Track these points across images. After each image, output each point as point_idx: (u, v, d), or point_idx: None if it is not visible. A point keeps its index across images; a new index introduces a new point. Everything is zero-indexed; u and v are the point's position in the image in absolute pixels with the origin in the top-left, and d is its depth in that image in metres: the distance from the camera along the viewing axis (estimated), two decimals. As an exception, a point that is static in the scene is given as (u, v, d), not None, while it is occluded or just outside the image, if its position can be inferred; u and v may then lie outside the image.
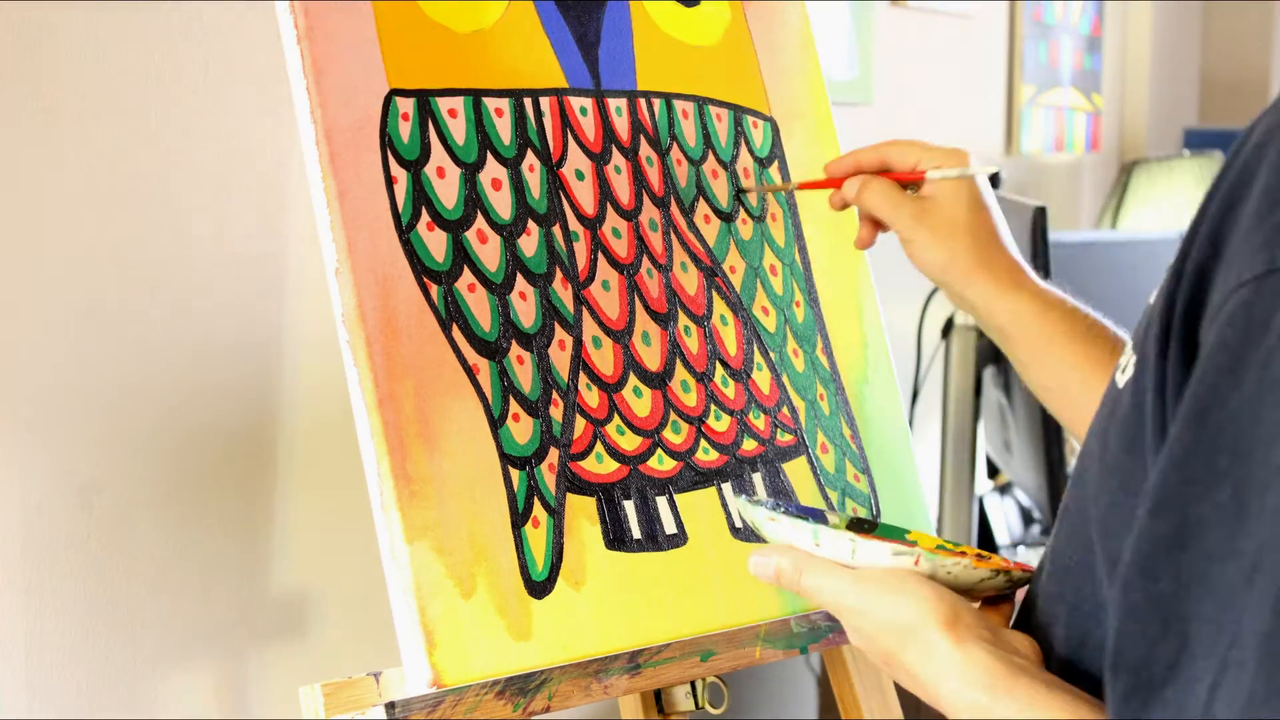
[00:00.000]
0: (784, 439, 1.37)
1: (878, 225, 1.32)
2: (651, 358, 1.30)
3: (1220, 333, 0.72)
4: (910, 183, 1.28)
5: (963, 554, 0.99)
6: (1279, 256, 0.70)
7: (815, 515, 1.10)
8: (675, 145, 1.37)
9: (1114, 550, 0.83)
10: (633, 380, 1.28)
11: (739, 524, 1.31)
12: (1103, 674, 0.78)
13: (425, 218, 1.20)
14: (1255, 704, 0.67)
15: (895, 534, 1.10)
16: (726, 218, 1.39)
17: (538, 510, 1.19)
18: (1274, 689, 0.67)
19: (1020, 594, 1.00)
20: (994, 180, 2.76)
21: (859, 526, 1.11)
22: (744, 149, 1.42)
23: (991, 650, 0.87)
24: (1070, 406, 1.26)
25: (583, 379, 1.25)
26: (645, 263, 1.32)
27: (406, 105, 1.21)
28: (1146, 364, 0.80)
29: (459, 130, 1.23)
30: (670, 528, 1.27)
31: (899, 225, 1.27)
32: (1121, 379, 0.85)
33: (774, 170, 1.44)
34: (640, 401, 1.28)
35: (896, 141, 1.30)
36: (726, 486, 1.31)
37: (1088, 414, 1.26)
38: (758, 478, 1.33)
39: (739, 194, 1.40)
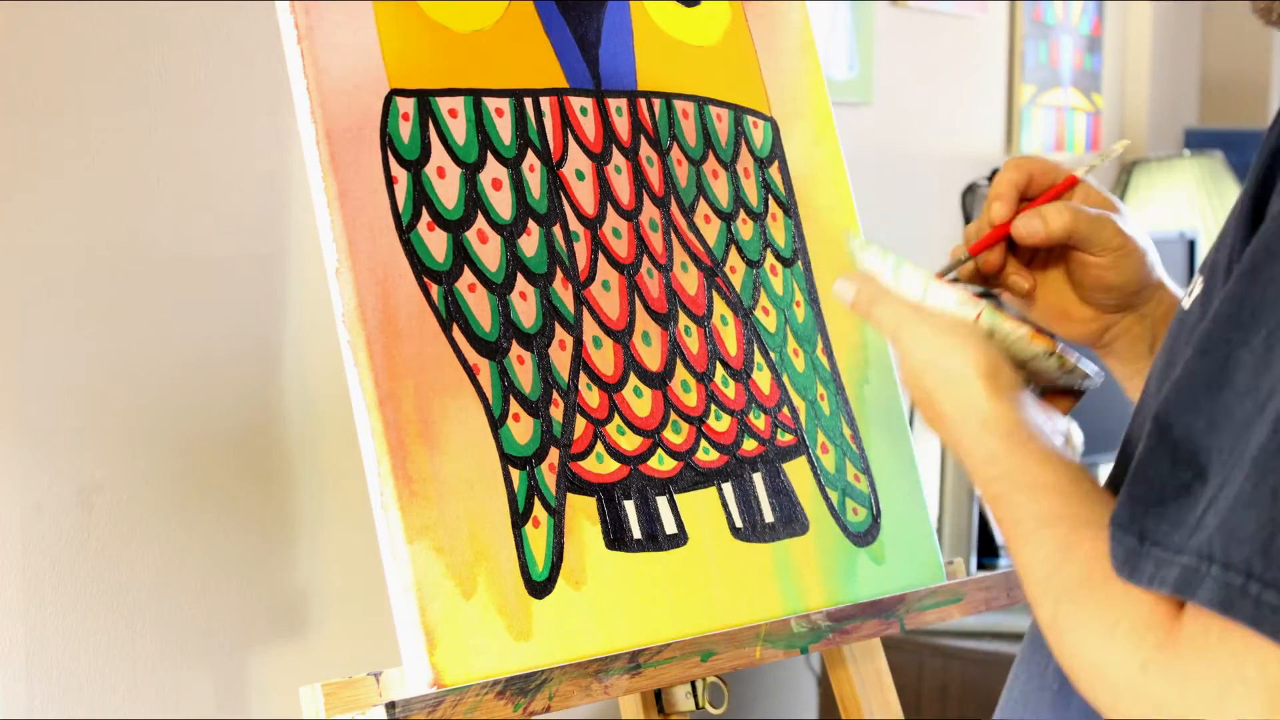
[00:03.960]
0: (784, 439, 1.37)
1: (1030, 268, 1.17)
2: (652, 358, 1.30)
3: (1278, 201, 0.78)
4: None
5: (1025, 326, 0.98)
6: None
7: (991, 298, 1.05)
8: (675, 145, 1.37)
9: None
10: (633, 380, 1.28)
11: (739, 524, 1.31)
12: None
13: (425, 218, 1.19)
14: (1237, 508, 0.73)
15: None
16: (727, 218, 1.39)
17: (538, 510, 1.19)
18: (1258, 495, 0.72)
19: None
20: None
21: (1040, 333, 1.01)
22: (744, 149, 1.42)
23: (1021, 408, 0.92)
24: None
25: (583, 379, 1.25)
26: (645, 263, 1.32)
27: (407, 105, 1.21)
28: (1217, 273, 0.84)
29: (459, 130, 1.23)
30: (670, 528, 1.27)
31: (1105, 236, 1.13)
32: (1188, 301, 0.89)
33: (774, 171, 1.44)
34: (640, 401, 1.28)
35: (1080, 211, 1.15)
36: (728, 486, 1.31)
37: None
38: (758, 477, 1.33)
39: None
